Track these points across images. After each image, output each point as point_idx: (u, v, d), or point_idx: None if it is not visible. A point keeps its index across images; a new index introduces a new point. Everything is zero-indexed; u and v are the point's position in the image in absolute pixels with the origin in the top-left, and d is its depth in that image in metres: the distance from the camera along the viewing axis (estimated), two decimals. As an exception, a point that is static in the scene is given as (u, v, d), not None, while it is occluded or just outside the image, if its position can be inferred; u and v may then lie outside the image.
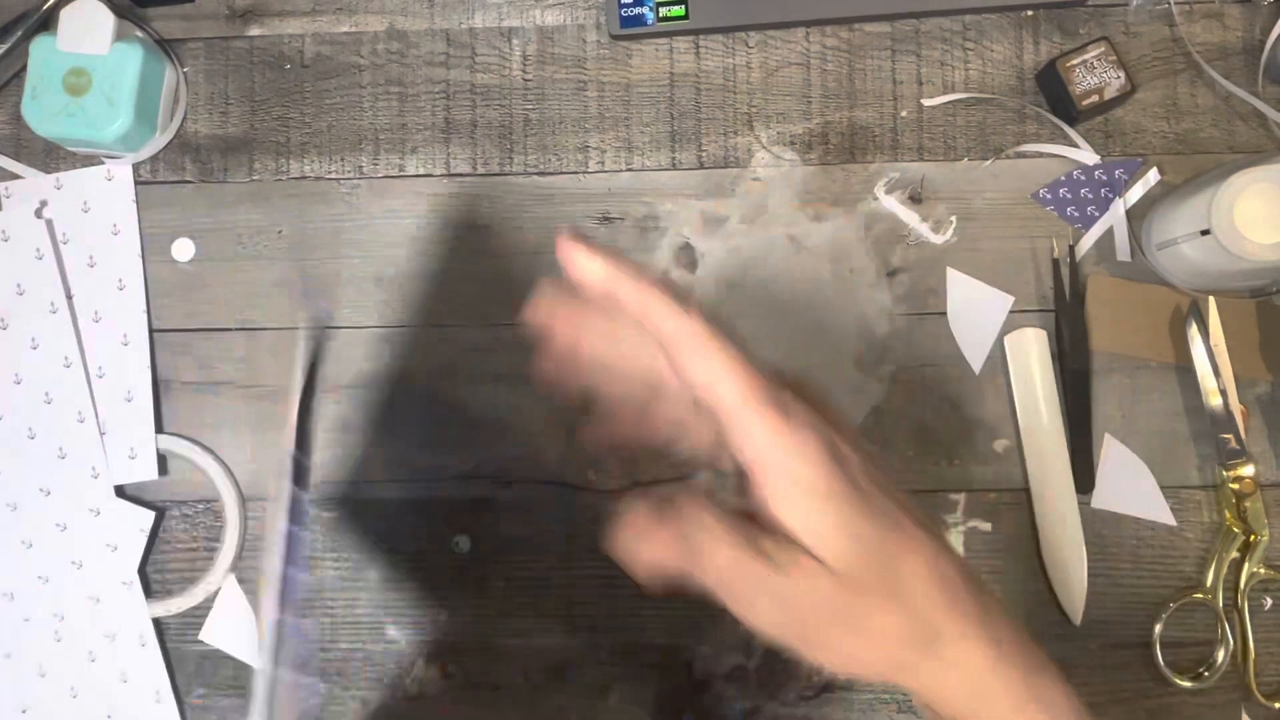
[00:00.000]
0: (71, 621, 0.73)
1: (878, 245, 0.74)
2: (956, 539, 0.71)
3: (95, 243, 0.74)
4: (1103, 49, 0.71)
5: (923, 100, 0.74)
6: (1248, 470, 0.70)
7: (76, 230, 0.75)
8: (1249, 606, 0.70)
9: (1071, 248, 0.72)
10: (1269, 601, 0.71)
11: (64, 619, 0.73)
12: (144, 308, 0.74)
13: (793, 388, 0.44)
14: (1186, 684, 0.70)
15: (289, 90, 0.76)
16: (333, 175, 0.75)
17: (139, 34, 0.74)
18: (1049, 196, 0.73)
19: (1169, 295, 0.72)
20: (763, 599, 0.43)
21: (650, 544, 0.44)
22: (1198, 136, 0.73)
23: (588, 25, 0.75)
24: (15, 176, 0.76)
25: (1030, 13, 0.74)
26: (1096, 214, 0.73)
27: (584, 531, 0.73)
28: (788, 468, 0.42)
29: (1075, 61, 0.71)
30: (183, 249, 0.75)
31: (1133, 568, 0.71)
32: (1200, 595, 0.70)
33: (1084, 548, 0.71)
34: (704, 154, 0.74)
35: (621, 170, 0.75)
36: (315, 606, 0.73)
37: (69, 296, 0.74)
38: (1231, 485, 0.70)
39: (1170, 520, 0.71)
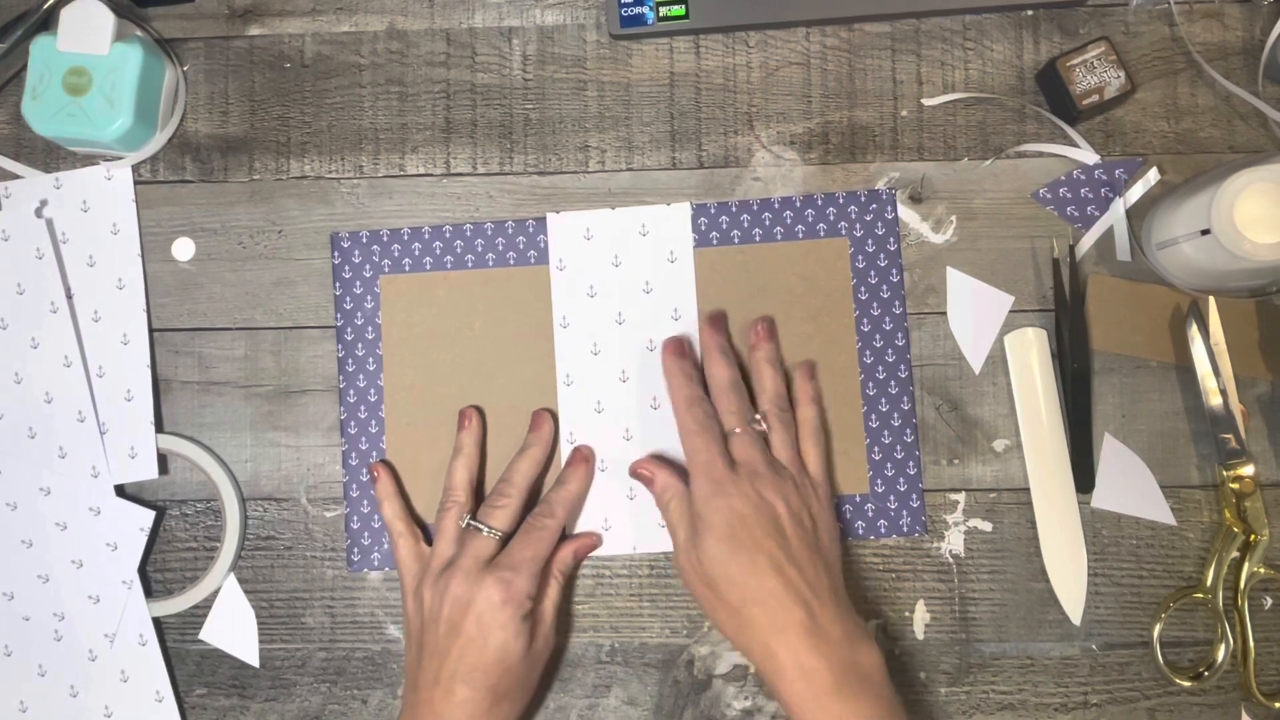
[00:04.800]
0: (71, 621, 0.73)
1: (878, 245, 0.73)
2: (957, 539, 0.71)
3: (95, 242, 0.74)
4: (1103, 49, 0.71)
5: (923, 100, 0.74)
6: (1248, 470, 0.70)
7: (76, 230, 0.75)
8: (1249, 606, 0.70)
9: (1071, 248, 0.72)
10: (1269, 601, 0.71)
11: (64, 618, 0.73)
12: (144, 307, 0.74)
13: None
14: (1186, 684, 0.70)
15: (289, 90, 0.76)
16: (333, 175, 0.75)
17: (139, 34, 0.74)
18: (1049, 196, 0.73)
19: (1169, 295, 0.72)
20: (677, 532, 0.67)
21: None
22: (1198, 136, 0.73)
23: (588, 25, 0.75)
24: (15, 176, 0.76)
25: (1030, 13, 0.74)
26: (1096, 214, 0.73)
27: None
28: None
29: (1075, 61, 0.71)
30: (183, 249, 0.75)
31: (1133, 568, 0.71)
32: (1200, 595, 0.70)
33: (1084, 548, 0.71)
34: (704, 154, 0.74)
35: (621, 170, 0.75)
36: (315, 606, 0.73)
37: (69, 296, 0.74)
38: (1231, 485, 0.70)
39: (1170, 520, 0.71)
